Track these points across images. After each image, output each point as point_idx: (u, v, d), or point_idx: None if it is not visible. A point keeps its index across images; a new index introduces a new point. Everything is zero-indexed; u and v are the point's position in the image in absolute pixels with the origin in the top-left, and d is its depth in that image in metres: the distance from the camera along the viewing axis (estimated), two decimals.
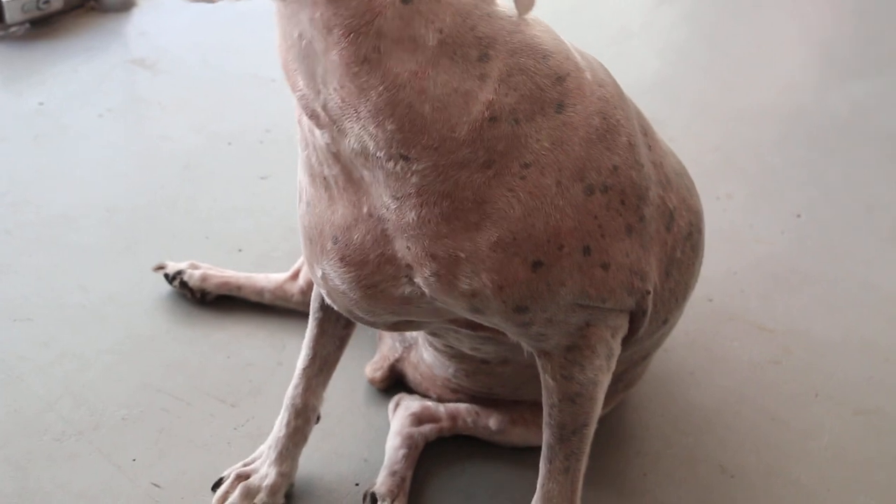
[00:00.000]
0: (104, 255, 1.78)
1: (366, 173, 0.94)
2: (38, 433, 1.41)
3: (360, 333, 1.42)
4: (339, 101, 0.88)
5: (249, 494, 1.30)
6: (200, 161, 2.09)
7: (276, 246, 1.83)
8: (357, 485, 1.35)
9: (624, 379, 1.21)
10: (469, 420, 1.41)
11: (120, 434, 1.42)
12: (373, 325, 1.13)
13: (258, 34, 2.62)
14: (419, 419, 1.41)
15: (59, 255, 1.77)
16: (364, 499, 1.31)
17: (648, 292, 1.06)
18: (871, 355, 1.65)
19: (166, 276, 1.67)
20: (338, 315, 1.28)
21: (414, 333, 1.46)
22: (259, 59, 2.54)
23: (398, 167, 0.90)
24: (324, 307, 1.28)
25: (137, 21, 2.75)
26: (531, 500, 1.18)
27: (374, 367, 1.51)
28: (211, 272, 1.66)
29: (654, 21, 2.97)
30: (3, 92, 2.33)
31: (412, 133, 0.88)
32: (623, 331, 1.08)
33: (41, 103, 2.28)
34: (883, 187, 2.12)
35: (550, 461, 1.13)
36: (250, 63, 2.53)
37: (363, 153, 0.91)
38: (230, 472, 1.33)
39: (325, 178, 1.00)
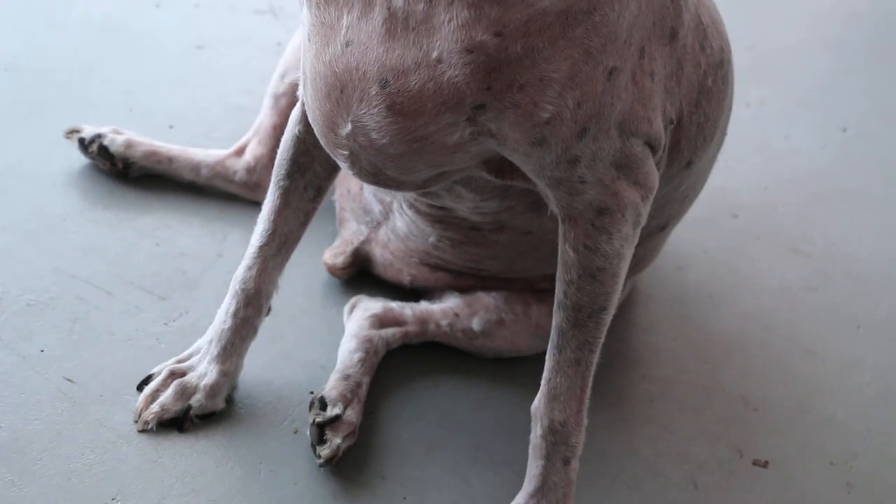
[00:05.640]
0: (2, 120, 1.80)
1: (460, 13, 1.02)
2: None
3: (317, 218, 1.46)
4: None
5: (185, 394, 1.35)
6: (122, 23, 2.12)
7: (216, 125, 1.87)
8: (312, 393, 1.41)
9: (637, 252, 1.29)
10: (444, 323, 1.47)
11: (25, 322, 1.45)
12: (399, 186, 1.20)
13: None
14: (381, 321, 1.47)
15: None
16: (311, 404, 1.35)
17: (672, 122, 1.19)
18: None
19: (81, 141, 1.69)
20: (305, 185, 1.34)
21: (381, 208, 1.54)
22: None
23: None
24: (290, 175, 1.33)
25: None
26: (519, 416, 1.25)
27: (334, 252, 1.57)
28: (137, 139, 1.69)
29: None
30: None
31: None
32: (652, 190, 1.17)
33: None
34: None
35: (560, 350, 1.20)
36: None
37: None
38: (161, 369, 1.38)
39: (391, 10, 1.05)
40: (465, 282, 1.49)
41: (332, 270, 1.56)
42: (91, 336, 1.45)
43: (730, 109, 1.38)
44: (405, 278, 1.53)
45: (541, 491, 1.24)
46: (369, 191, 1.56)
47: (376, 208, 1.55)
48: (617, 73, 1.08)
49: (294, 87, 1.59)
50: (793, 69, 2.28)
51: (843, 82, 2.24)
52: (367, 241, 1.55)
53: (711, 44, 1.26)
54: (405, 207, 1.46)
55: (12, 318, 1.45)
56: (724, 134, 1.39)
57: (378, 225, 1.54)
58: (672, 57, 1.16)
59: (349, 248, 1.55)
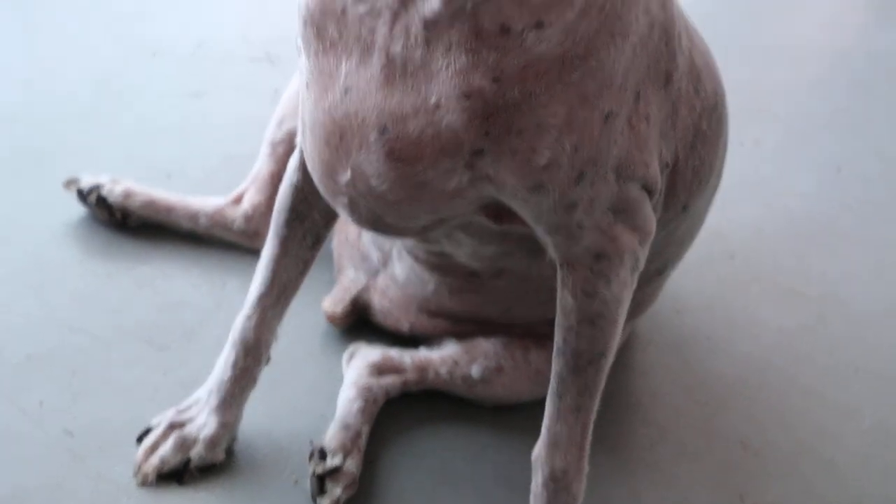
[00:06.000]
0: (1, 171, 1.81)
1: (457, 59, 1.03)
2: None
3: (315, 266, 1.47)
4: None
5: (184, 447, 1.35)
6: (119, 72, 2.13)
7: (213, 173, 1.88)
8: (312, 442, 1.40)
9: (636, 296, 1.30)
10: (443, 371, 1.47)
11: (24, 374, 1.45)
12: (398, 233, 1.20)
13: None
14: (380, 370, 1.47)
15: None
16: (311, 455, 1.35)
17: (668, 165, 1.20)
18: None
19: (80, 191, 1.70)
20: (304, 233, 1.34)
21: (379, 255, 1.54)
22: None
23: (528, 38, 1.02)
24: (289, 223, 1.34)
25: None
26: (520, 464, 1.25)
27: (333, 300, 1.57)
28: (136, 189, 1.70)
29: None
30: None
31: None
32: (649, 235, 1.18)
33: None
34: None
35: (560, 396, 1.20)
36: None
37: (473, 29, 1.01)
38: (161, 420, 1.38)
39: (389, 56, 1.06)
40: (465, 328, 1.50)
41: (332, 319, 1.56)
42: (90, 387, 1.45)
43: (725, 152, 1.40)
44: (404, 326, 1.53)
45: None
46: (368, 238, 1.56)
47: (374, 255, 1.56)
48: (613, 117, 1.09)
49: (291, 135, 1.60)
50: (785, 109, 2.29)
51: (836, 122, 2.26)
52: (366, 288, 1.56)
53: (706, 87, 1.27)
54: (403, 255, 1.47)
55: (11, 371, 1.45)
56: (719, 176, 1.40)
57: (376, 272, 1.55)
58: (667, 100, 1.17)
59: (348, 296, 1.56)
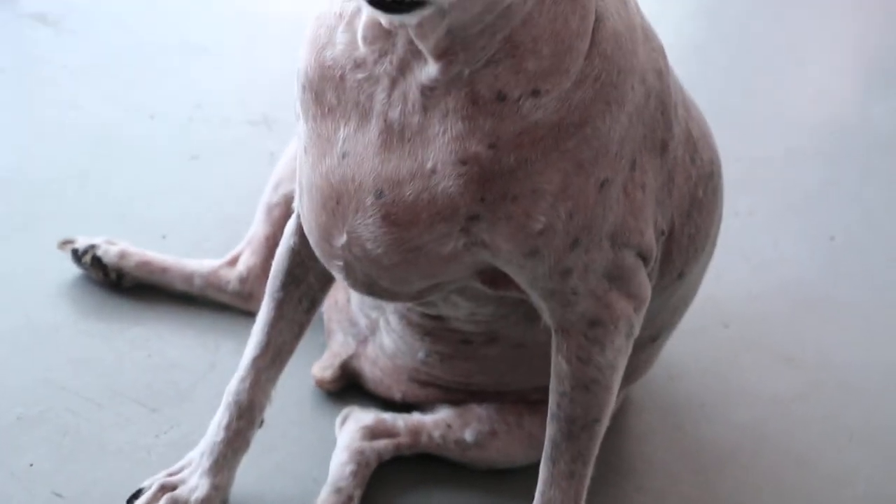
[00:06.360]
0: None
1: (454, 125, 1.04)
2: None
3: (311, 329, 1.47)
4: (478, 26, 1.01)
5: None
6: (117, 135, 2.14)
7: (208, 235, 1.88)
8: None
9: (630, 363, 1.30)
10: (436, 434, 1.46)
11: (14, 435, 1.45)
12: (393, 297, 1.21)
13: None
14: (372, 433, 1.47)
15: None
16: None
17: (663, 233, 1.21)
18: None
19: (75, 252, 1.71)
20: (300, 297, 1.35)
21: (367, 322, 1.54)
22: (188, 21, 2.61)
23: (525, 105, 1.04)
24: (285, 286, 1.34)
25: None
26: None
27: (322, 365, 1.57)
28: (131, 250, 1.71)
29: (664, 14, 3.09)
30: None
31: (557, 59, 1.04)
32: (644, 302, 1.19)
33: None
34: None
35: (554, 462, 1.20)
36: (177, 26, 2.60)
37: (470, 96, 1.04)
38: (152, 483, 1.36)
39: (387, 122, 1.08)
40: (457, 397, 1.49)
41: (321, 384, 1.56)
42: (81, 449, 1.44)
43: (720, 220, 1.41)
44: (396, 395, 1.53)
45: None
46: (356, 303, 1.56)
47: (362, 322, 1.56)
48: (608, 184, 1.10)
49: (287, 198, 1.61)
50: (780, 179, 2.31)
51: (829, 192, 2.28)
52: (355, 355, 1.56)
53: (701, 156, 1.28)
54: (393, 322, 1.47)
55: (2, 433, 1.45)
56: (714, 244, 1.41)
57: (365, 339, 1.55)
58: (663, 169, 1.18)
59: (337, 361, 1.56)
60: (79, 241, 1.72)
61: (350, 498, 1.38)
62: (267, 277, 1.38)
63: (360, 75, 1.09)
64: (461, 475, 1.48)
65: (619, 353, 1.18)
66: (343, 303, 1.59)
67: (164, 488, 1.35)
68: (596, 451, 1.22)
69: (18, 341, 1.60)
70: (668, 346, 1.60)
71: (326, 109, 1.13)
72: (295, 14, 2.47)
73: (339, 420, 1.51)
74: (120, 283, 1.71)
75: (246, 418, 1.36)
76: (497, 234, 1.08)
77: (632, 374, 1.44)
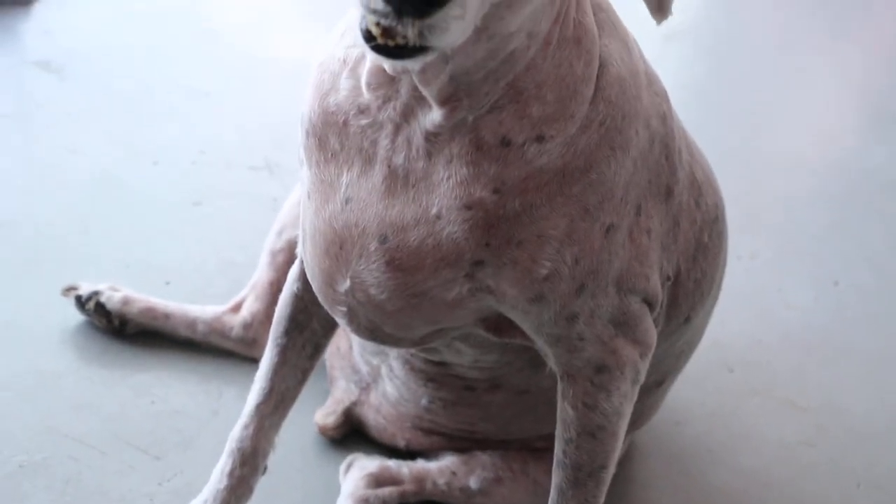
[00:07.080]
0: None
1: (459, 170, 1.05)
2: None
3: (314, 375, 1.47)
4: (481, 72, 1.02)
5: None
6: (120, 180, 2.15)
7: (212, 281, 1.88)
8: None
9: (636, 408, 1.29)
10: (441, 482, 1.46)
11: (16, 483, 1.44)
12: (396, 343, 1.21)
13: (186, 36, 2.70)
14: (377, 480, 1.46)
15: None
16: None
17: (669, 278, 1.21)
18: None
19: (78, 298, 1.71)
20: (304, 343, 1.35)
21: (369, 369, 1.54)
22: (189, 66, 2.62)
23: (529, 150, 1.04)
24: (288, 332, 1.34)
25: (40, 17, 2.81)
26: None
27: (325, 412, 1.57)
28: (134, 296, 1.71)
29: (663, 57, 3.11)
30: None
31: (561, 104, 1.05)
32: (650, 348, 1.18)
33: None
34: None
35: None
36: (179, 72, 2.61)
37: (475, 142, 1.04)
38: None
39: (391, 167, 1.08)
40: (460, 444, 1.49)
41: (324, 431, 1.56)
42: (83, 497, 1.43)
43: (724, 264, 1.41)
44: (400, 442, 1.53)
45: None
46: (358, 351, 1.56)
47: (364, 369, 1.56)
48: (614, 230, 1.10)
49: (291, 244, 1.61)
50: (783, 223, 2.31)
51: (833, 236, 2.28)
52: (358, 402, 1.56)
53: (706, 200, 1.29)
54: (396, 368, 1.47)
55: (4, 480, 1.44)
56: (719, 288, 1.41)
57: (368, 386, 1.55)
58: (668, 214, 1.19)
59: (340, 408, 1.56)
60: (82, 288, 1.72)
61: None
62: (270, 323, 1.38)
63: (363, 121, 1.09)
64: None
65: (626, 399, 1.17)
66: (345, 349, 1.59)
67: None
68: (603, 498, 1.21)
69: (21, 388, 1.59)
70: (674, 391, 1.60)
71: (330, 155, 1.13)
72: (296, 59, 2.50)
73: (343, 467, 1.51)
74: (123, 330, 1.70)
75: (249, 465, 1.35)
76: (502, 280, 1.08)
77: (637, 419, 1.44)
